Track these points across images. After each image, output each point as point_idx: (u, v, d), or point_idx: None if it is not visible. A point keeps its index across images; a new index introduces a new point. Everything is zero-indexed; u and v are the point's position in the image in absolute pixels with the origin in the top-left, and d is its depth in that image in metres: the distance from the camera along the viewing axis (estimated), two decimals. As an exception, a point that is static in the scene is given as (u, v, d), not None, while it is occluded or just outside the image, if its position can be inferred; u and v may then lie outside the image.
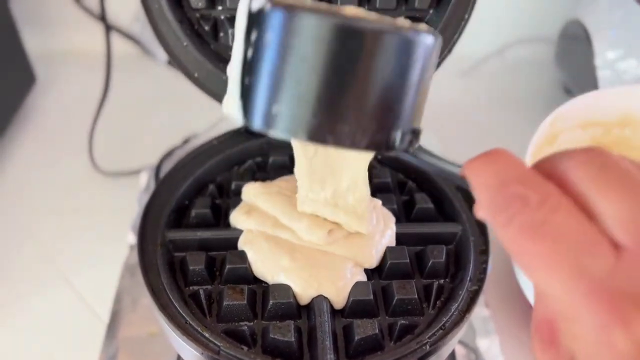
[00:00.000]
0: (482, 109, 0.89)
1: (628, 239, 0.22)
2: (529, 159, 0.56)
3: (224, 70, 0.49)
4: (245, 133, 0.54)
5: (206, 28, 0.48)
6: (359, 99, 0.27)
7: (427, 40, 0.28)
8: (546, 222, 0.22)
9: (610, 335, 0.21)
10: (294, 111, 0.27)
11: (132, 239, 0.63)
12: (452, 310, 0.39)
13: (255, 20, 0.28)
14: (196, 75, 0.50)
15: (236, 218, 0.45)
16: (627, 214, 0.22)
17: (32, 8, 0.89)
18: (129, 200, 0.68)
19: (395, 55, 0.27)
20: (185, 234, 0.44)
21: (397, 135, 0.29)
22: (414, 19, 0.49)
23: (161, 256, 0.42)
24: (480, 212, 0.25)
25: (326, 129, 0.28)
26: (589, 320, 0.21)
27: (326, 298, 0.40)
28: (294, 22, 0.26)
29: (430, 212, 0.48)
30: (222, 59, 0.50)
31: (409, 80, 0.28)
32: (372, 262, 0.43)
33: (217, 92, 0.51)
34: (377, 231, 0.44)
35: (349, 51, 0.27)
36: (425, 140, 0.56)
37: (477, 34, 0.63)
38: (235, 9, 0.46)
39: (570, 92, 0.86)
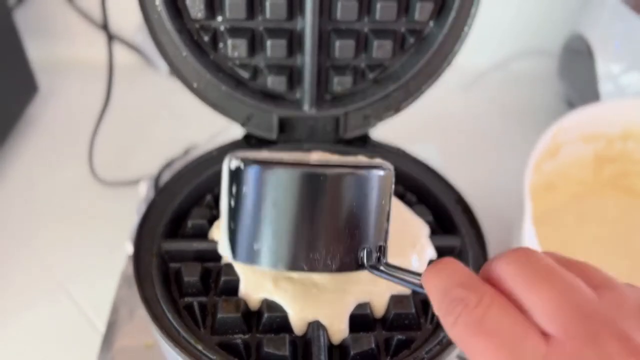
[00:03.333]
0: (484, 122, 0.89)
1: (554, 329, 0.24)
2: (530, 172, 0.55)
3: (223, 81, 0.49)
4: (245, 143, 0.54)
5: (205, 39, 0.48)
6: (326, 231, 0.33)
7: (378, 173, 0.34)
8: (483, 319, 0.25)
9: None
10: (272, 248, 0.33)
11: (130, 249, 0.63)
12: (450, 325, 0.39)
13: (234, 176, 0.34)
14: (195, 85, 0.50)
15: (212, 232, 0.44)
16: (550, 306, 0.25)
17: (35, 17, 0.89)
18: (128, 210, 0.67)
19: (352, 190, 0.33)
20: (181, 245, 0.43)
21: (364, 254, 0.33)
22: (414, 31, 0.49)
23: (156, 267, 0.42)
24: (436, 314, 0.28)
25: (301, 259, 0.33)
26: None
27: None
28: (264, 174, 0.33)
29: (429, 225, 0.47)
30: (221, 70, 0.50)
31: (368, 209, 0.33)
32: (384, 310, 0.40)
33: (216, 102, 0.51)
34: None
35: (312, 193, 0.32)
36: (425, 154, 0.56)
37: (479, 47, 0.63)
38: (235, 20, 0.47)
39: (572, 105, 0.85)
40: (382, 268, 0.33)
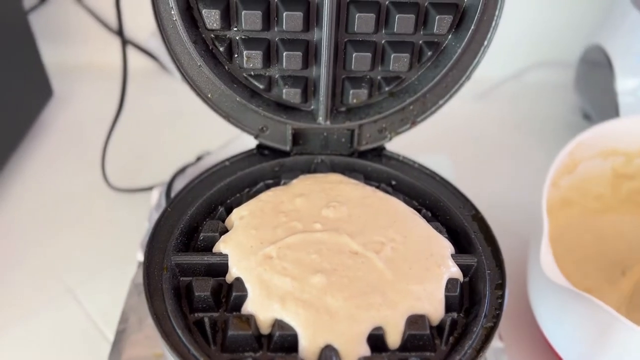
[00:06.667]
0: (498, 132, 0.88)
1: None
2: (548, 189, 0.54)
3: (237, 92, 0.49)
4: (258, 154, 0.53)
5: (221, 49, 0.47)
6: None
7: None
8: None
9: None
10: None
11: (141, 256, 0.62)
12: (466, 348, 0.38)
13: None
14: (209, 95, 0.50)
15: (218, 245, 0.44)
16: None
17: (51, 22, 0.90)
18: (140, 217, 0.67)
19: None
20: (192, 258, 0.43)
21: None
22: (432, 44, 0.48)
23: (167, 280, 0.41)
24: None
25: None
26: None
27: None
28: None
29: (445, 242, 0.46)
30: (236, 80, 0.49)
31: None
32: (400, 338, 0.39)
33: (229, 113, 0.51)
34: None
35: None
36: (438, 165, 0.55)
37: (495, 57, 0.62)
38: (250, 30, 0.47)
39: (588, 117, 0.84)
40: None
